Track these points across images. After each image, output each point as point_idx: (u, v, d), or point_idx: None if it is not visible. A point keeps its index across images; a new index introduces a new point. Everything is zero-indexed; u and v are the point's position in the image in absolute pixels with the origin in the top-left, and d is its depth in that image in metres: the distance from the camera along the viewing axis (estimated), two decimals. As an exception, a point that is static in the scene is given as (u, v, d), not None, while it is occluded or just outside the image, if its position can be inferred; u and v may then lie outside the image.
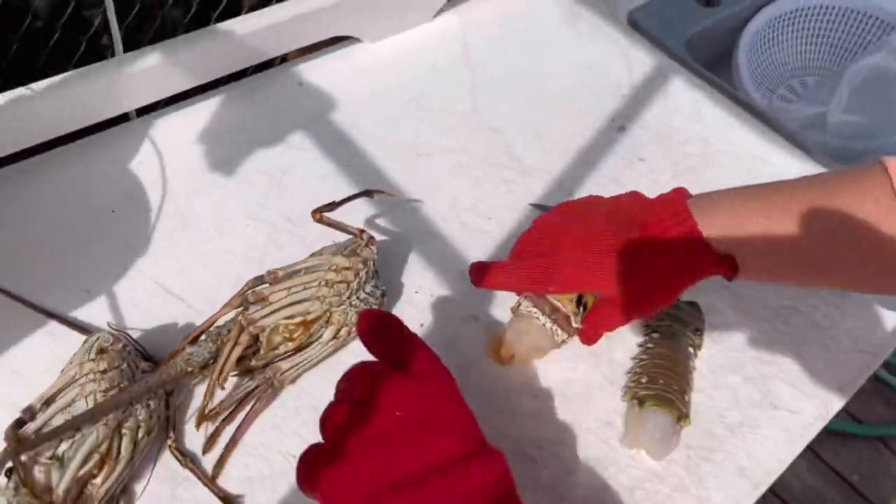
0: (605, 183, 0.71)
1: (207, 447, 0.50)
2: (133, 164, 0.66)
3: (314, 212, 0.56)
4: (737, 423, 0.56)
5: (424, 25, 0.83)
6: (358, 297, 0.54)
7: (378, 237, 0.62)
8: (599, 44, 0.85)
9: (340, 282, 0.52)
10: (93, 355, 0.47)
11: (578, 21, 0.88)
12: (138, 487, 0.48)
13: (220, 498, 0.47)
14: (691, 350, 0.59)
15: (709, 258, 0.48)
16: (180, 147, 0.67)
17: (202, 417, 0.50)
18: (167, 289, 0.58)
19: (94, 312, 0.56)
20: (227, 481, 0.49)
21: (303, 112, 0.73)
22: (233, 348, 0.50)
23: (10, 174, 0.64)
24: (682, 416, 0.53)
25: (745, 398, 0.58)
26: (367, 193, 0.61)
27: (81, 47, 1.04)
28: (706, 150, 0.76)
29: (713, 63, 0.91)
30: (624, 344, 0.59)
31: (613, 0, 0.91)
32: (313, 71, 0.76)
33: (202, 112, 0.70)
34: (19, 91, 0.58)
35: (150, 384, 0.47)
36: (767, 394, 0.58)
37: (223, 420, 0.50)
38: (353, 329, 0.54)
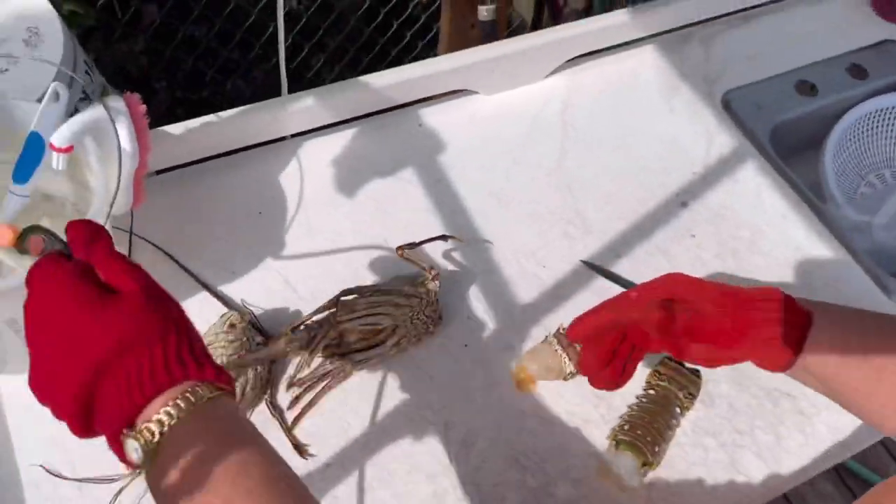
0: (654, 252, 0.84)
1: (292, 405, 0.69)
2: (281, 176, 0.86)
3: (398, 248, 0.73)
4: (699, 478, 0.69)
5: (536, 84, 0.98)
6: (419, 319, 0.71)
7: (447, 268, 0.79)
8: (688, 121, 0.96)
9: (406, 306, 0.70)
10: (225, 328, 0.68)
11: (675, 96, 0.99)
12: (241, 423, 0.69)
13: (294, 444, 0.67)
14: (678, 410, 0.72)
15: (783, 359, 0.57)
16: (317, 167, 0.87)
17: (291, 384, 0.69)
18: (287, 280, 0.78)
19: (234, 290, 0.76)
20: (300, 432, 0.69)
21: (416, 150, 0.90)
22: (322, 339, 0.69)
23: (192, 175, 0.85)
24: (648, 463, 0.67)
25: (713, 459, 0.71)
26: (442, 238, 0.78)
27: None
28: (755, 236, 0.86)
29: (797, 149, 0.99)
30: (623, 393, 0.73)
31: (713, 79, 1.01)
32: (432, 115, 0.93)
33: (338, 140, 0.89)
34: (210, 118, 0.79)
35: (260, 356, 0.67)
36: (735, 461, 0.71)
37: (305, 388, 0.70)
38: (411, 341, 0.71)
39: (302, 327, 0.70)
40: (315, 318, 0.71)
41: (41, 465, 0.64)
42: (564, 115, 0.96)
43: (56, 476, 0.63)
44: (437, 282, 0.73)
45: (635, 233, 0.85)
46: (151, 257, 0.77)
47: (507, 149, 0.91)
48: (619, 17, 0.96)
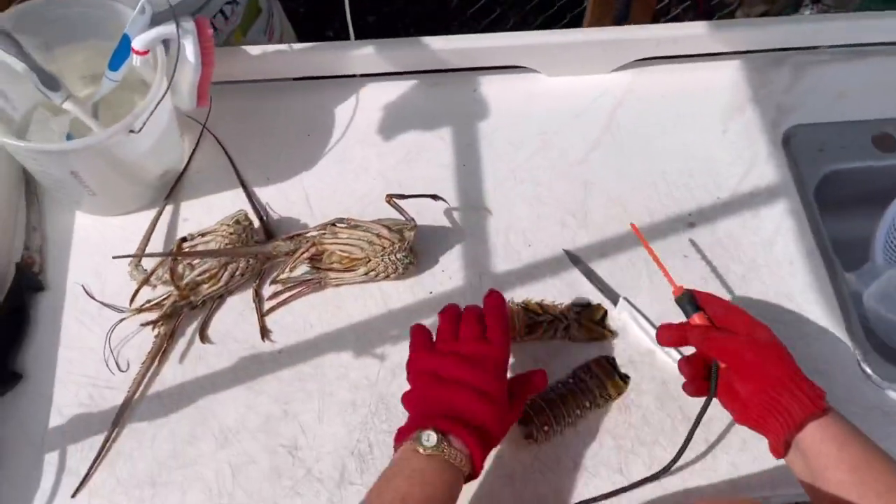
0: (637, 262, 0.88)
1: (270, 298, 0.84)
2: (337, 108, 0.99)
3: (388, 195, 0.84)
4: (585, 466, 0.76)
5: (600, 76, 1.01)
6: (390, 259, 0.82)
7: (443, 224, 0.89)
8: (735, 145, 0.96)
9: (378, 245, 0.81)
10: (231, 222, 0.83)
11: (735, 118, 0.99)
12: (228, 300, 0.85)
13: (261, 326, 0.82)
14: (587, 404, 0.78)
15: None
16: (369, 107, 0.98)
17: (275, 281, 0.84)
18: (307, 197, 0.91)
19: (265, 193, 0.91)
20: (270, 320, 0.83)
21: (462, 112, 0.98)
22: (304, 252, 0.82)
23: (263, 90, 0.99)
24: (530, 435, 0.75)
25: (604, 456, 0.77)
26: (433, 196, 0.87)
27: None
28: (748, 273, 0.87)
29: (845, 203, 0.96)
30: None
31: (786, 110, 0.99)
32: (489, 84, 1.00)
33: (395, 88, 1.00)
34: (283, 47, 0.93)
35: (251, 251, 0.82)
36: (623, 466, 0.76)
37: (286, 288, 0.84)
38: (380, 275, 0.83)
39: (293, 238, 0.84)
40: (308, 234, 0.84)
41: (81, 285, 0.84)
42: (615, 112, 0.99)
43: (88, 295, 0.83)
44: (412, 232, 0.83)
45: (628, 239, 0.90)
46: (211, 149, 0.94)
47: (541, 130, 0.97)
48: (706, 27, 0.96)
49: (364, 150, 0.95)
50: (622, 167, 0.95)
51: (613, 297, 0.85)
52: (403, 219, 0.85)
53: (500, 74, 1.01)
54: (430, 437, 0.62)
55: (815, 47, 1.03)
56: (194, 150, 0.93)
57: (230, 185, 0.92)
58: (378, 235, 0.82)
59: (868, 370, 0.81)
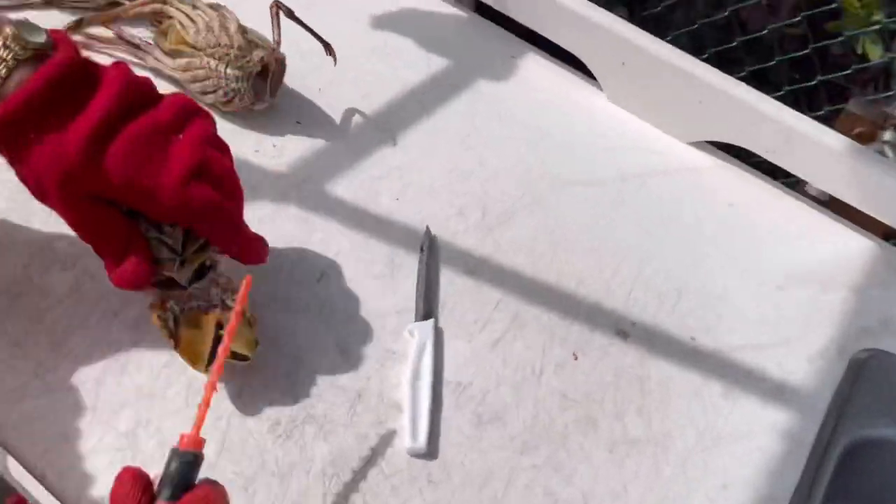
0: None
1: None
2: None
3: (277, 2, 0.60)
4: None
5: (669, 140, 0.70)
6: (218, 68, 0.58)
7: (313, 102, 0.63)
8: (784, 314, 0.59)
9: (216, 42, 0.58)
10: None
11: (797, 286, 0.61)
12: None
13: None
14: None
15: None
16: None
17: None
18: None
19: None
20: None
21: (495, 75, 0.72)
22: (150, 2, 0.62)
23: None
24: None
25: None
26: (327, 46, 0.62)
27: None
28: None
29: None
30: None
31: (874, 332, 0.60)
32: (533, 62, 0.74)
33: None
34: None
35: None
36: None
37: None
38: (196, 83, 0.60)
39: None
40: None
41: None
42: (655, 180, 0.67)
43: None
44: (264, 58, 0.58)
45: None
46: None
47: (544, 134, 0.68)
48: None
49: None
50: (597, 233, 0.62)
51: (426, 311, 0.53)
52: (271, 38, 0.61)
53: (553, 63, 0.75)
54: None
55: None
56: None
57: None
58: (225, 30, 0.59)
59: None
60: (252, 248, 0.48)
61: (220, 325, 0.46)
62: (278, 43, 0.61)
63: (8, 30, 0.39)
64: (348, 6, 0.74)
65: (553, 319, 0.56)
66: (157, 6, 0.62)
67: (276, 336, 0.51)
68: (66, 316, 0.49)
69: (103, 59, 0.61)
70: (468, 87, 0.70)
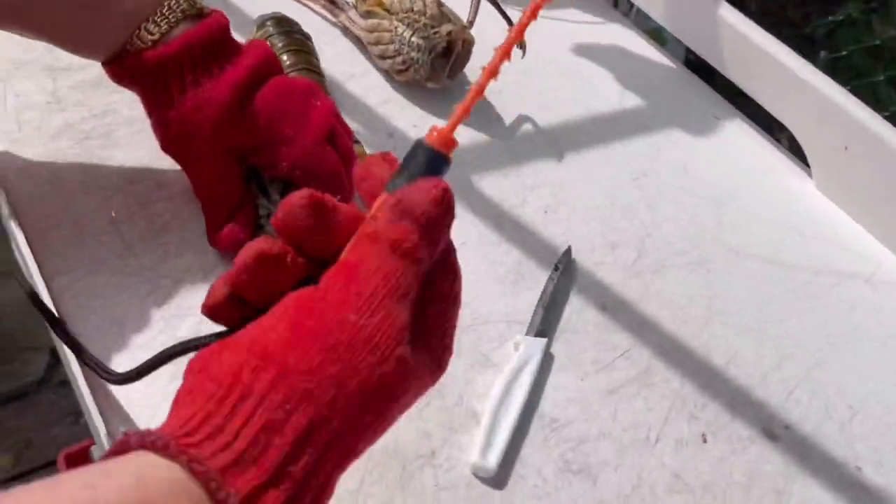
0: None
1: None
2: None
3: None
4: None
5: (882, 250, 0.59)
6: (405, 34, 0.56)
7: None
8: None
9: (411, 9, 0.56)
10: None
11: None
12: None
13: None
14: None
15: None
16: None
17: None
18: None
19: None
20: None
21: (690, 128, 0.65)
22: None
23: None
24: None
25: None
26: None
27: None
28: None
29: None
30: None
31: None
32: (737, 128, 0.66)
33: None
34: None
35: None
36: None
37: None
38: (381, 45, 0.58)
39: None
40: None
41: None
42: (847, 281, 0.56)
43: None
44: (453, 33, 0.55)
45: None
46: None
47: (745, 213, 0.59)
48: None
49: None
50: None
51: (541, 329, 0.45)
52: (465, 18, 0.58)
53: (758, 133, 0.66)
54: None
55: None
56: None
57: None
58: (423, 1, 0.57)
59: None
60: None
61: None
62: (471, 23, 0.58)
63: None
64: (555, 28, 0.70)
65: (687, 390, 0.46)
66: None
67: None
68: (170, 211, 0.47)
69: (301, 10, 0.62)
70: (657, 132, 0.64)
